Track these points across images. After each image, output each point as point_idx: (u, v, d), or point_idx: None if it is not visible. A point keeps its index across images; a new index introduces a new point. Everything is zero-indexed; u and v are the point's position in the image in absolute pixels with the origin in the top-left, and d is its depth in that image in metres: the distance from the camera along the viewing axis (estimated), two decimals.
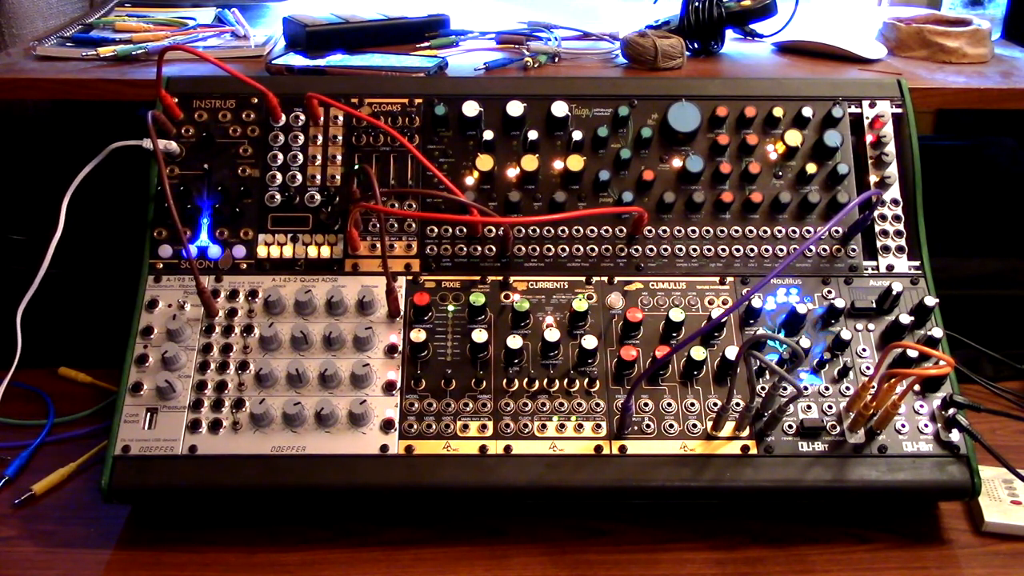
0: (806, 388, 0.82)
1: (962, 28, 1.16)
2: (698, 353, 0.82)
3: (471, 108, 0.91)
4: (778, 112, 0.93)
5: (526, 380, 0.82)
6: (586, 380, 0.82)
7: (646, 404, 0.81)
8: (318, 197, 0.90)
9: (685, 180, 0.91)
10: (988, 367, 1.04)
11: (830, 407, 0.82)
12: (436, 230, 0.90)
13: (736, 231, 0.90)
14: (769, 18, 1.18)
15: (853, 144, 0.93)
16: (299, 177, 0.91)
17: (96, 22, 1.19)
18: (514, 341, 0.82)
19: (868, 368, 0.84)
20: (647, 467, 0.78)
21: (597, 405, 0.81)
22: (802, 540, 0.81)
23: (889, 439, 0.80)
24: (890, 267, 0.90)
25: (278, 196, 0.90)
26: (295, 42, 1.13)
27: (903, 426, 0.81)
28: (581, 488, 0.78)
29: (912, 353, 0.82)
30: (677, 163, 0.92)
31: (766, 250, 0.90)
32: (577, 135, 0.91)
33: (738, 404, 0.81)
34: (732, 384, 0.80)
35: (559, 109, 0.91)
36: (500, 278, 0.88)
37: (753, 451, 0.79)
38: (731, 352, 0.81)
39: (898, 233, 0.91)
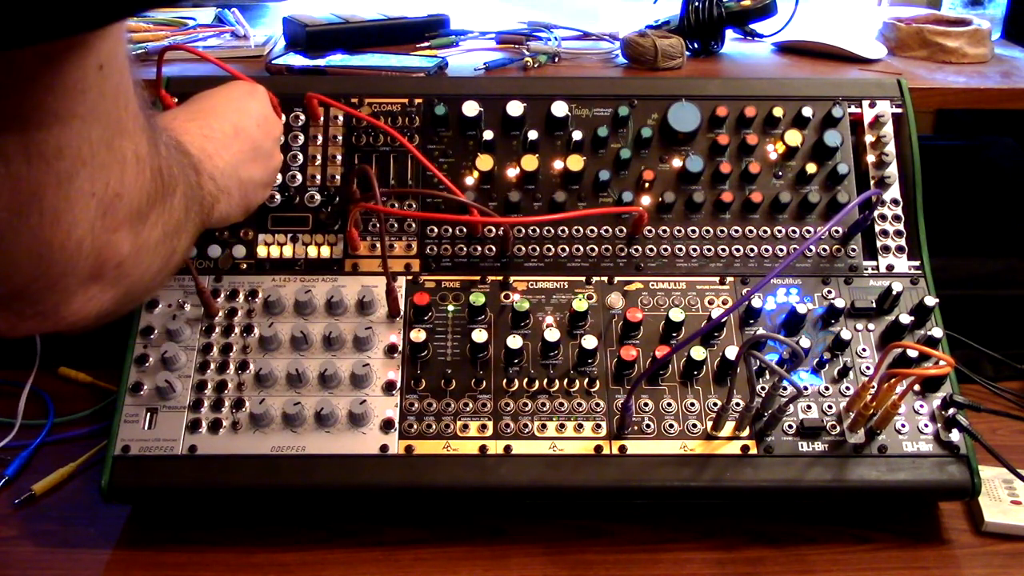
0: (806, 388, 0.82)
1: (962, 28, 1.16)
2: (698, 353, 0.82)
3: (471, 108, 0.91)
4: (778, 112, 0.93)
5: (526, 380, 0.82)
6: (586, 380, 0.82)
7: (646, 404, 0.81)
8: (318, 197, 0.90)
9: (685, 180, 0.91)
10: (988, 367, 1.04)
11: (830, 407, 0.82)
12: (436, 230, 0.90)
13: (736, 231, 0.90)
14: (769, 18, 1.18)
15: (853, 144, 0.93)
16: (299, 177, 0.91)
17: None
18: (514, 341, 0.82)
19: (868, 368, 0.84)
20: (647, 467, 0.78)
21: (597, 405, 0.81)
22: (802, 540, 0.81)
23: (889, 439, 0.80)
24: (890, 267, 0.90)
25: (278, 196, 0.90)
26: (295, 42, 1.13)
27: (903, 426, 0.81)
28: (581, 488, 0.78)
29: (912, 353, 0.82)
30: (677, 163, 0.92)
31: (766, 250, 0.90)
32: (577, 135, 0.91)
33: (738, 404, 0.80)
34: (732, 384, 0.80)
35: (559, 109, 0.91)
36: (500, 278, 0.88)
37: (753, 451, 0.79)
38: (731, 352, 0.81)
39: (898, 233, 0.91)
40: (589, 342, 0.82)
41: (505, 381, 0.82)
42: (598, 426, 0.80)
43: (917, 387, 0.82)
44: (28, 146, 0.37)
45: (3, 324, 0.43)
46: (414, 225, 0.90)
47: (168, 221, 0.48)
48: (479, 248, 0.89)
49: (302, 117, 0.92)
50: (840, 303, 0.85)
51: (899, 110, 0.95)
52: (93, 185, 0.40)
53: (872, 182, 0.92)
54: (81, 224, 0.40)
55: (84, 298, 0.43)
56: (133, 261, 0.45)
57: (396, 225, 0.90)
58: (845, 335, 0.83)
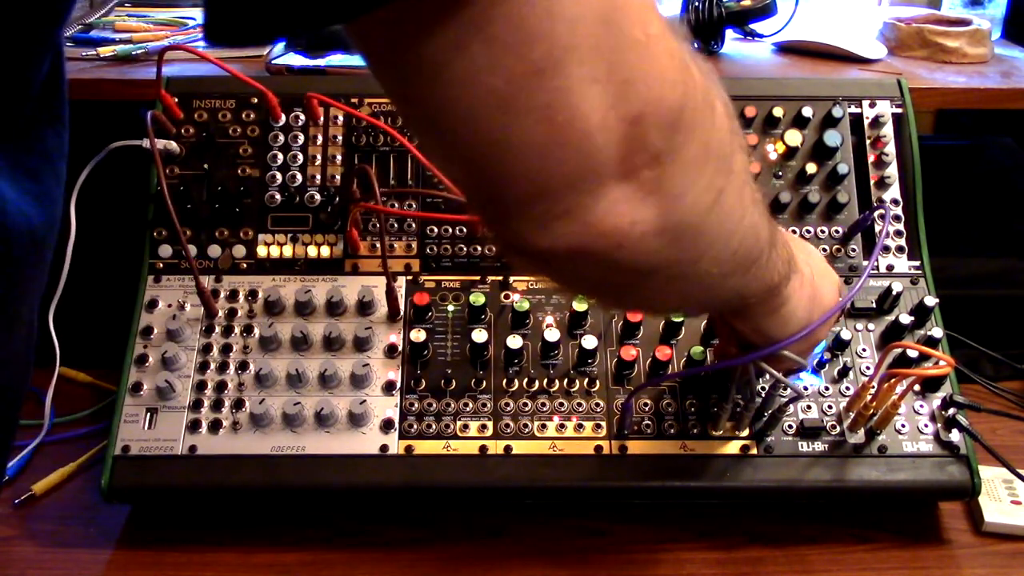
0: (806, 388, 0.82)
1: (962, 28, 1.16)
2: (698, 353, 0.82)
3: None
4: (778, 112, 0.93)
5: (526, 380, 0.82)
6: (586, 380, 0.82)
7: (646, 404, 0.81)
8: (318, 197, 0.90)
9: None
10: (988, 367, 1.04)
11: (830, 407, 0.82)
12: (436, 230, 0.90)
13: None
14: (769, 18, 1.17)
15: (853, 144, 0.93)
16: (299, 177, 0.91)
17: (96, 22, 1.19)
18: (514, 341, 0.82)
19: (868, 368, 0.84)
20: (647, 467, 0.78)
21: (597, 405, 0.81)
22: (802, 540, 0.81)
23: (889, 439, 0.80)
24: (890, 267, 0.90)
25: (278, 196, 0.90)
26: (295, 42, 1.13)
27: (903, 426, 0.81)
28: (581, 488, 0.78)
29: (912, 353, 0.82)
30: None
31: None
32: None
33: (738, 404, 0.80)
34: (732, 384, 0.79)
35: None
36: (500, 278, 0.88)
37: (753, 451, 0.79)
38: None
39: (898, 233, 0.91)
40: (589, 342, 0.82)
41: (505, 381, 0.82)
42: (598, 426, 0.80)
43: (917, 387, 0.82)
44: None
45: (530, 236, 0.40)
46: (414, 225, 0.90)
47: (709, 142, 0.42)
48: (479, 248, 0.89)
49: (302, 117, 0.92)
50: None
51: (899, 110, 0.95)
52: (593, 67, 0.36)
53: (872, 182, 0.92)
54: (593, 105, 0.36)
55: (612, 200, 0.39)
56: (669, 169, 0.39)
57: (396, 225, 0.90)
58: (845, 335, 0.83)
